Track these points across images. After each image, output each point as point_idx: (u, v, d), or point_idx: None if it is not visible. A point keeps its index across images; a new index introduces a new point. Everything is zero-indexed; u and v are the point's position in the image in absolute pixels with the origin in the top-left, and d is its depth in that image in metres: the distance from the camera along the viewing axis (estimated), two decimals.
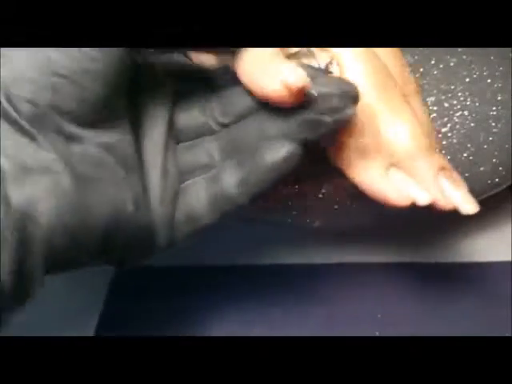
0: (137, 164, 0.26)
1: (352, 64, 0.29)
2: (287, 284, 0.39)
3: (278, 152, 0.26)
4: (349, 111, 0.26)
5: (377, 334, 0.35)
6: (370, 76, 0.30)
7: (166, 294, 0.38)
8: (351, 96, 0.26)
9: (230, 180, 0.27)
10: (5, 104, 0.23)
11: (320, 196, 0.34)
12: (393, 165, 0.28)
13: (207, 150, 0.28)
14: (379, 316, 0.36)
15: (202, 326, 0.36)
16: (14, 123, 0.23)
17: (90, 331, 0.36)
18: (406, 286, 0.38)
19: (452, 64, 0.34)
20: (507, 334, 0.33)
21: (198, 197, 0.28)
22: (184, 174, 0.28)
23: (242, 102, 0.28)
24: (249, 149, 0.27)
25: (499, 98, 0.34)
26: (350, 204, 0.34)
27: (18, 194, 0.22)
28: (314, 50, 0.29)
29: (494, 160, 0.34)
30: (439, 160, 0.29)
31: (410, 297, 0.37)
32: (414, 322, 0.35)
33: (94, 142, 0.24)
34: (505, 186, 0.35)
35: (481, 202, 0.35)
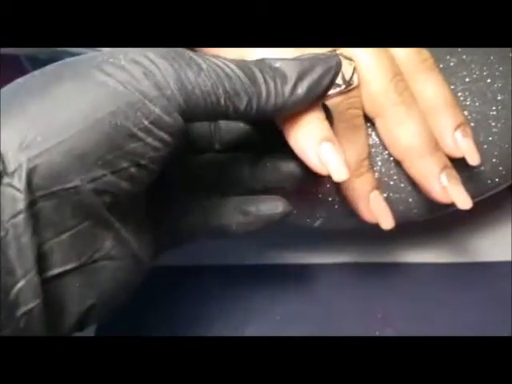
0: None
1: (367, 67, 0.31)
2: (287, 284, 0.39)
3: (275, 209, 0.29)
4: None
5: (377, 333, 0.35)
6: (383, 74, 0.30)
7: (166, 293, 0.38)
8: None
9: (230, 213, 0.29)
10: None
11: (320, 196, 0.34)
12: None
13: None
14: (379, 316, 0.36)
15: (201, 326, 0.36)
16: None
17: (90, 331, 0.36)
18: (406, 285, 0.38)
19: (452, 64, 0.34)
20: (507, 334, 0.33)
21: (225, 219, 0.29)
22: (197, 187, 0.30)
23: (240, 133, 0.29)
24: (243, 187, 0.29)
25: (499, 97, 0.34)
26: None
27: None
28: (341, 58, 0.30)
29: (493, 160, 0.34)
30: (443, 158, 0.31)
31: (410, 297, 0.37)
32: (414, 321, 0.35)
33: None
34: (505, 186, 0.35)
35: (481, 202, 0.35)
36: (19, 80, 0.24)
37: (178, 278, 0.39)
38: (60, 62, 0.24)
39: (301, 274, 0.39)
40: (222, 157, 0.30)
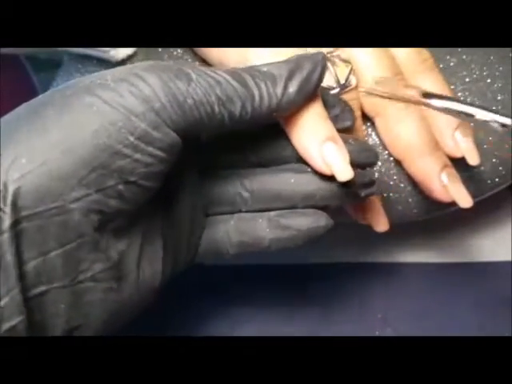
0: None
1: (367, 66, 0.31)
2: (287, 284, 0.39)
3: (318, 222, 0.27)
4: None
5: (377, 333, 0.35)
6: (383, 74, 0.31)
7: (165, 293, 0.38)
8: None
9: (264, 227, 0.28)
10: None
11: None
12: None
13: (236, 187, 0.28)
14: (379, 316, 0.36)
15: (201, 326, 0.36)
16: None
17: None
18: (406, 285, 0.38)
19: (452, 64, 0.34)
20: (507, 334, 0.33)
21: (226, 234, 0.28)
22: (211, 205, 0.29)
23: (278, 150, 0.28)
24: (282, 200, 0.27)
25: (499, 98, 0.34)
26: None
27: None
28: (336, 60, 0.30)
29: (493, 160, 0.34)
30: (443, 157, 0.31)
31: (410, 297, 0.37)
32: (414, 321, 0.35)
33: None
34: (505, 186, 0.35)
35: (481, 202, 0.35)
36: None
37: (177, 278, 0.39)
38: (58, 87, 0.24)
39: (301, 274, 0.39)
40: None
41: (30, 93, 0.43)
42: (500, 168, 0.34)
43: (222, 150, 0.28)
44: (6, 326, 0.21)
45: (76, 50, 0.35)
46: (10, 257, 0.21)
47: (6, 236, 0.21)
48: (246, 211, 0.28)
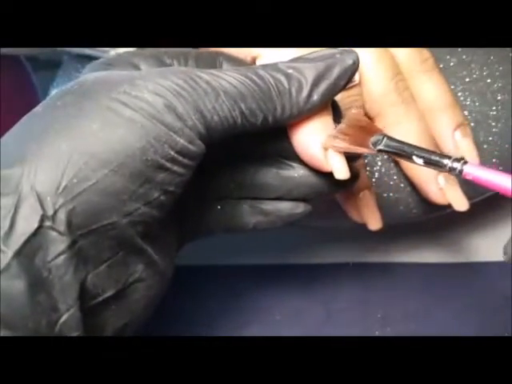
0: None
1: (367, 66, 0.31)
2: (287, 284, 0.39)
3: (296, 209, 0.28)
4: None
5: (377, 333, 0.35)
6: (383, 74, 0.31)
7: (165, 293, 0.38)
8: None
9: (247, 212, 0.29)
10: None
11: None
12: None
13: (224, 178, 0.29)
14: (379, 316, 0.36)
15: (201, 326, 0.36)
16: None
17: None
18: (406, 285, 0.38)
19: (452, 64, 0.34)
20: (507, 334, 0.33)
21: (214, 218, 0.29)
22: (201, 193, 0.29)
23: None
24: (266, 193, 0.28)
25: (499, 97, 0.34)
26: None
27: None
28: None
29: (493, 160, 0.34)
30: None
31: (410, 297, 0.37)
32: (414, 321, 0.35)
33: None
34: None
35: (481, 202, 0.35)
36: (37, 109, 0.24)
37: (177, 278, 0.39)
38: (78, 89, 0.24)
39: (301, 274, 0.39)
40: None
41: (30, 93, 0.43)
42: (500, 168, 0.34)
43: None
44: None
45: (76, 50, 0.35)
46: (68, 276, 0.22)
47: (64, 257, 0.22)
48: (231, 198, 0.29)
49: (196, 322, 0.36)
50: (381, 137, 0.26)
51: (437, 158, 0.25)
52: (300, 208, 0.29)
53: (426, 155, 0.25)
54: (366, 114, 0.32)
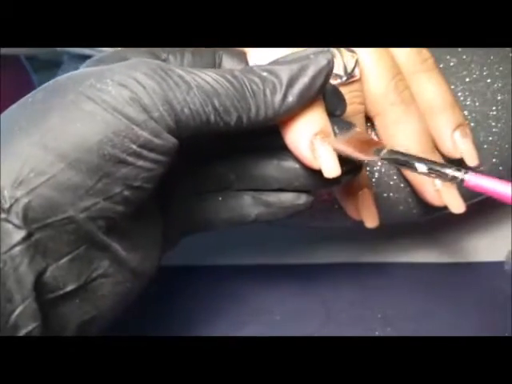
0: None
1: (367, 66, 0.31)
2: (287, 284, 0.39)
3: (298, 200, 0.28)
4: None
5: (377, 333, 0.35)
6: (383, 74, 0.31)
7: (165, 293, 0.38)
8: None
9: (249, 204, 0.29)
10: None
11: (320, 196, 0.34)
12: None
13: (224, 169, 0.29)
14: (379, 316, 0.36)
15: (201, 326, 0.36)
16: None
17: None
18: (406, 285, 0.38)
19: (452, 64, 0.34)
20: (507, 334, 0.33)
21: (215, 210, 0.29)
22: (198, 184, 0.29)
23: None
24: (266, 184, 0.28)
25: (499, 97, 0.34)
26: None
27: None
28: (343, 50, 0.30)
29: (493, 160, 0.34)
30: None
31: (410, 297, 0.37)
32: (414, 321, 0.35)
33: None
34: None
35: (481, 202, 0.35)
36: (12, 107, 0.24)
37: (178, 278, 0.39)
38: (50, 85, 0.24)
39: (301, 274, 0.39)
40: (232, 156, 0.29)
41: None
42: (500, 168, 0.34)
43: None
44: (23, 331, 0.22)
45: (76, 50, 0.35)
46: (23, 268, 0.22)
47: (19, 249, 0.22)
48: (232, 190, 0.29)
49: (195, 322, 0.36)
50: (383, 147, 0.26)
51: (438, 168, 0.25)
52: (302, 199, 0.28)
53: (429, 165, 0.25)
54: (367, 114, 0.32)
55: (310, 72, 0.25)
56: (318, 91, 0.26)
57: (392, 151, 0.26)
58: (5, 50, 0.39)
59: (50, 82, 0.24)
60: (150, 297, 0.37)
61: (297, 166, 0.27)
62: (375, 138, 0.33)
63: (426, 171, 0.25)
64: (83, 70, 0.24)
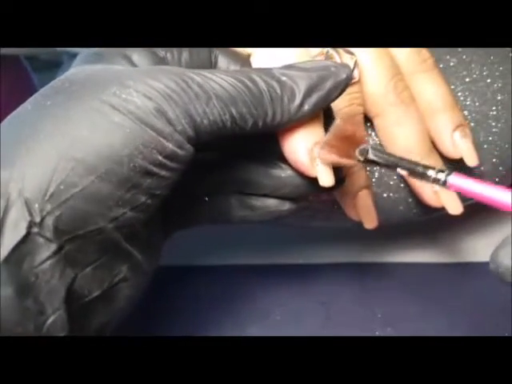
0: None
1: (366, 66, 0.31)
2: (287, 284, 0.39)
3: (283, 206, 0.29)
4: None
5: (377, 333, 0.35)
6: (382, 74, 0.31)
7: (165, 294, 0.38)
8: None
9: (236, 206, 0.29)
10: None
11: (320, 196, 0.34)
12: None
13: (211, 174, 0.29)
14: (379, 316, 0.36)
15: (201, 326, 0.36)
16: None
17: None
18: (406, 285, 0.38)
19: (452, 64, 0.34)
20: (507, 334, 0.33)
21: (201, 211, 0.29)
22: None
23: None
24: (252, 189, 0.29)
25: (499, 97, 0.34)
26: None
27: None
28: (341, 52, 0.30)
29: (493, 160, 0.34)
30: (437, 162, 0.31)
31: (410, 297, 0.37)
32: (414, 321, 0.35)
33: None
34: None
35: (481, 202, 0.35)
36: (26, 107, 0.24)
37: (178, 278, 0.39)
38: (67, 88, 0.23)
39: (301, 274, 0.39)
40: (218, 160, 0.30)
41: (30, 93, 0.43)
42: (500, 168, 0.34)
43: None
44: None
45: (76, 49, 0.35)
46: (55, 281, 0.22)
47: (51, 262, 0.22)
48: (220, 192, 0.29)
49: (195, 322, 0.36)
50: (366, 148, 0.26)
51: (420, 170, 0.25)
52: (286, 206, 0.29)
53: (411, 166, 0.25)
54: (366, 114, 0.32)
55: (329, 84, 0.25)
56: (331, 102, 0.26)
57: (374, 149, 0.26)
58: (5, 50, 0.39)
59: (65, 81, 0.24)
60: (148, 297, 0.37)
61: (283, 175, 0.28)
62: (376, 139, 0.33)
63: (406, 173, 0.25)
64: (98, 71, 0.24)
